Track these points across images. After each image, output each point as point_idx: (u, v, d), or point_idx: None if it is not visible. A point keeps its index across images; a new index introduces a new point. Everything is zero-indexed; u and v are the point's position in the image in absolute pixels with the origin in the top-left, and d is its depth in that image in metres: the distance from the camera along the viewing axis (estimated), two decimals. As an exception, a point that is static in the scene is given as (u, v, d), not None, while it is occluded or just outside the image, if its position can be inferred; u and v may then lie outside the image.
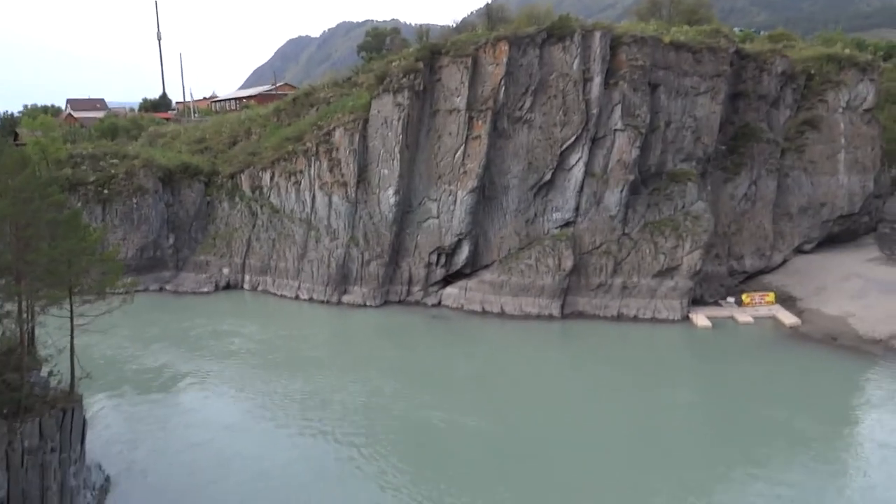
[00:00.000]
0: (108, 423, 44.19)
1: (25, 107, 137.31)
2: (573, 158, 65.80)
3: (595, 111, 64.69)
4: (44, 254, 27.49)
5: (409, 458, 39.34)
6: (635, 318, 63.10)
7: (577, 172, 65.72)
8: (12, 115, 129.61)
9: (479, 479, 36.82)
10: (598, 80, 64.34)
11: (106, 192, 74.43)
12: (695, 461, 38.96)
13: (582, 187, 65.78)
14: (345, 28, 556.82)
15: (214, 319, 65.87)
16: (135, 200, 75.06)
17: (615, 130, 65.17)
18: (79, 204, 69.78)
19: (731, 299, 66.31)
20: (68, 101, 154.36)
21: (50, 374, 31.53)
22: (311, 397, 47.46)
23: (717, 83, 68.30)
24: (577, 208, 66.25)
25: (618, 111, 64.79)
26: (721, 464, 38.07)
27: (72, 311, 32.59)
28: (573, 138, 65.11)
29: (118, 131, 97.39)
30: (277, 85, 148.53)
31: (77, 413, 31.99)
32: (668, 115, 67.33)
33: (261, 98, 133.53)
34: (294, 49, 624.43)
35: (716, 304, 66.28)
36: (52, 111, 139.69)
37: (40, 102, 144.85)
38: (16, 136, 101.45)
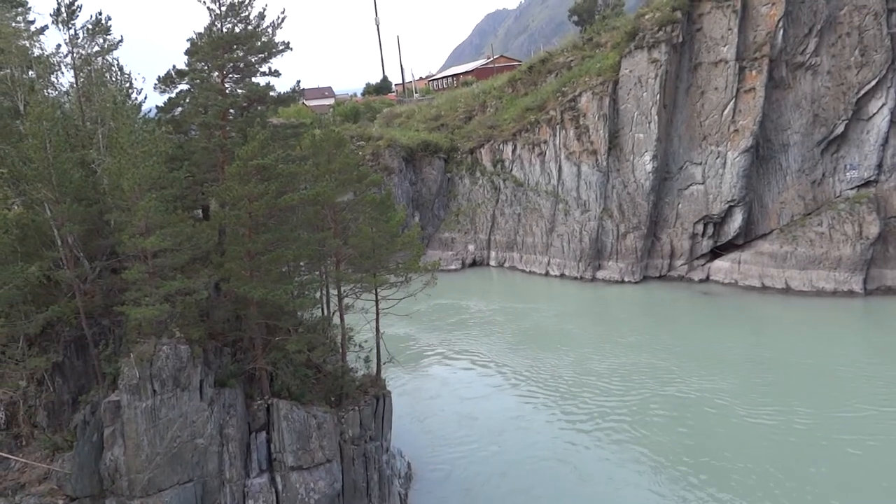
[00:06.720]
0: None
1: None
2: (874, 105, 55.75)
3: (904, 46, 54.16)
4: (367, 237, 26.10)
5: (675, 452, 34.39)
6: (966, 294, 52.36)
7: (880, 122, 55.61)
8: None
9: (756, 486, 31.06)
10: (908, 9, 53.73)
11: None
12: None
13: (886, 139, 55.65)
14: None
15: (465, 295, 64.91)
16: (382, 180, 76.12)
17: (931, 67, 54.15)
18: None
19: None
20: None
21: (366, 359, 30.62)
22: (573, 376, 44.41)
23: None
24: (879, 165, 56.24)
25: (935, 43, 53.71)
26: None
27: (377, 295, 31.47)
28: (874, 81, 55.09)
29: (358, 115, 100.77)
30: (494, 57, 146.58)
31: (388, 400, 30.95)
32: None
33: (479, 72, 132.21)
34: (491, 24, 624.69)
35: None
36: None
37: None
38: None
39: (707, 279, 62.52)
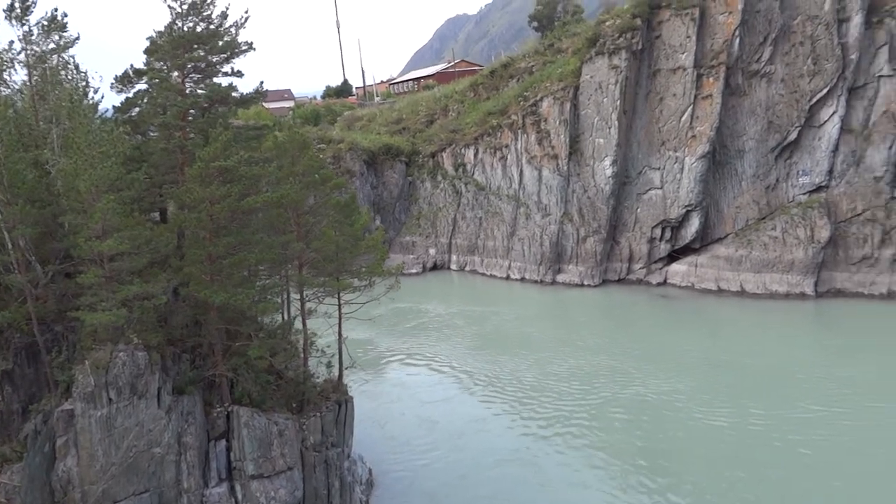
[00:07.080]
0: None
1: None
2: (825, 113, 57.37)
3: (853, 56, 55.85)
4: (331, 240, 25.81)
5: (633, 455, 34.93)
6: (911, 296, 54.15)
7: (831, 129, 57.24)
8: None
9: (711, 487, 31.71)
10: (857, 20, 55.34)
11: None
12: None
13: (837, 146, 57.29)
14: (502, 2, 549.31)
15: (425, 299, 64.76)
16: (344, 183, 75.52)
17: (879, 77, 55.96)
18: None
19: None
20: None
21: (328, 364, 30.27)
22: (533, 379, 44.69)
23: None
24: (830, 171, 57.87)
25: (883, 54, 55.53)
26: None
27: (339, 300, 31.21)
28: (825, 90, 56.68)
29: (319, 117, 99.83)
30: (455, 62, 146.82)
31: (350, 406, 30.66)
32: (945, 55, 56.84)
33: (440, 76, 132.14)
34: (452, 29, 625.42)
35: None
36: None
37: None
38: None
39: (665, 282, 63.53)
